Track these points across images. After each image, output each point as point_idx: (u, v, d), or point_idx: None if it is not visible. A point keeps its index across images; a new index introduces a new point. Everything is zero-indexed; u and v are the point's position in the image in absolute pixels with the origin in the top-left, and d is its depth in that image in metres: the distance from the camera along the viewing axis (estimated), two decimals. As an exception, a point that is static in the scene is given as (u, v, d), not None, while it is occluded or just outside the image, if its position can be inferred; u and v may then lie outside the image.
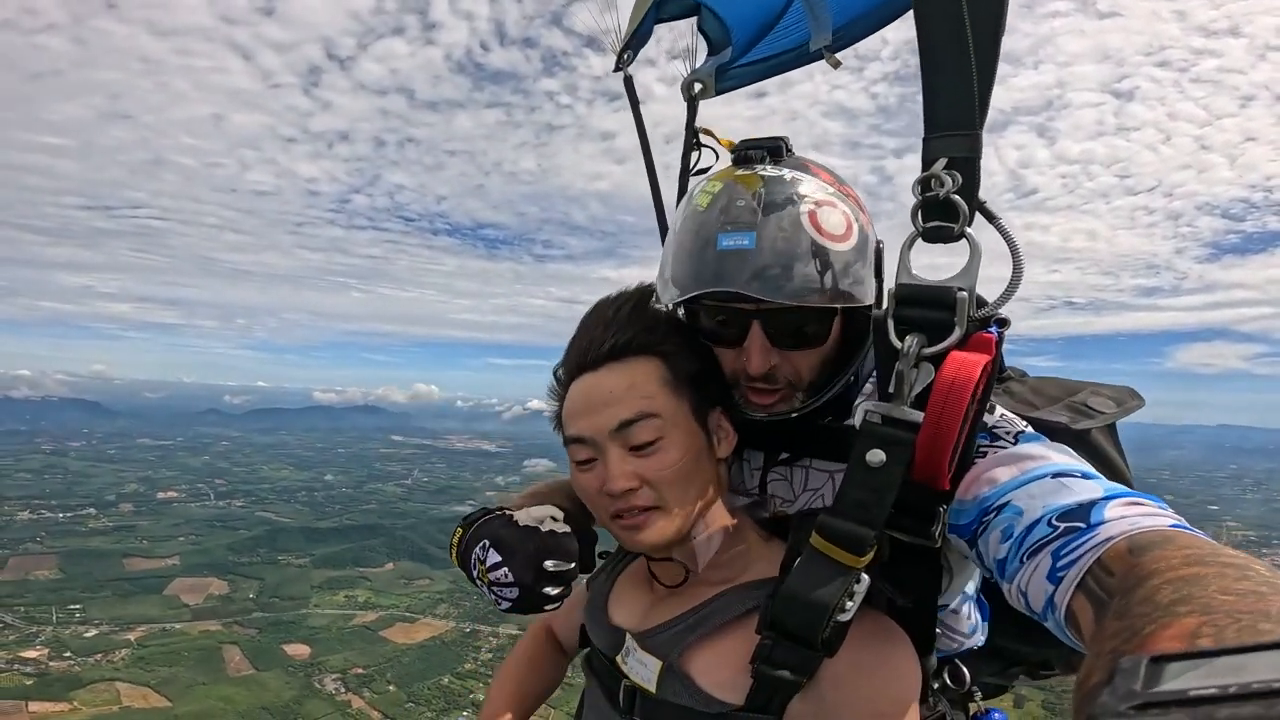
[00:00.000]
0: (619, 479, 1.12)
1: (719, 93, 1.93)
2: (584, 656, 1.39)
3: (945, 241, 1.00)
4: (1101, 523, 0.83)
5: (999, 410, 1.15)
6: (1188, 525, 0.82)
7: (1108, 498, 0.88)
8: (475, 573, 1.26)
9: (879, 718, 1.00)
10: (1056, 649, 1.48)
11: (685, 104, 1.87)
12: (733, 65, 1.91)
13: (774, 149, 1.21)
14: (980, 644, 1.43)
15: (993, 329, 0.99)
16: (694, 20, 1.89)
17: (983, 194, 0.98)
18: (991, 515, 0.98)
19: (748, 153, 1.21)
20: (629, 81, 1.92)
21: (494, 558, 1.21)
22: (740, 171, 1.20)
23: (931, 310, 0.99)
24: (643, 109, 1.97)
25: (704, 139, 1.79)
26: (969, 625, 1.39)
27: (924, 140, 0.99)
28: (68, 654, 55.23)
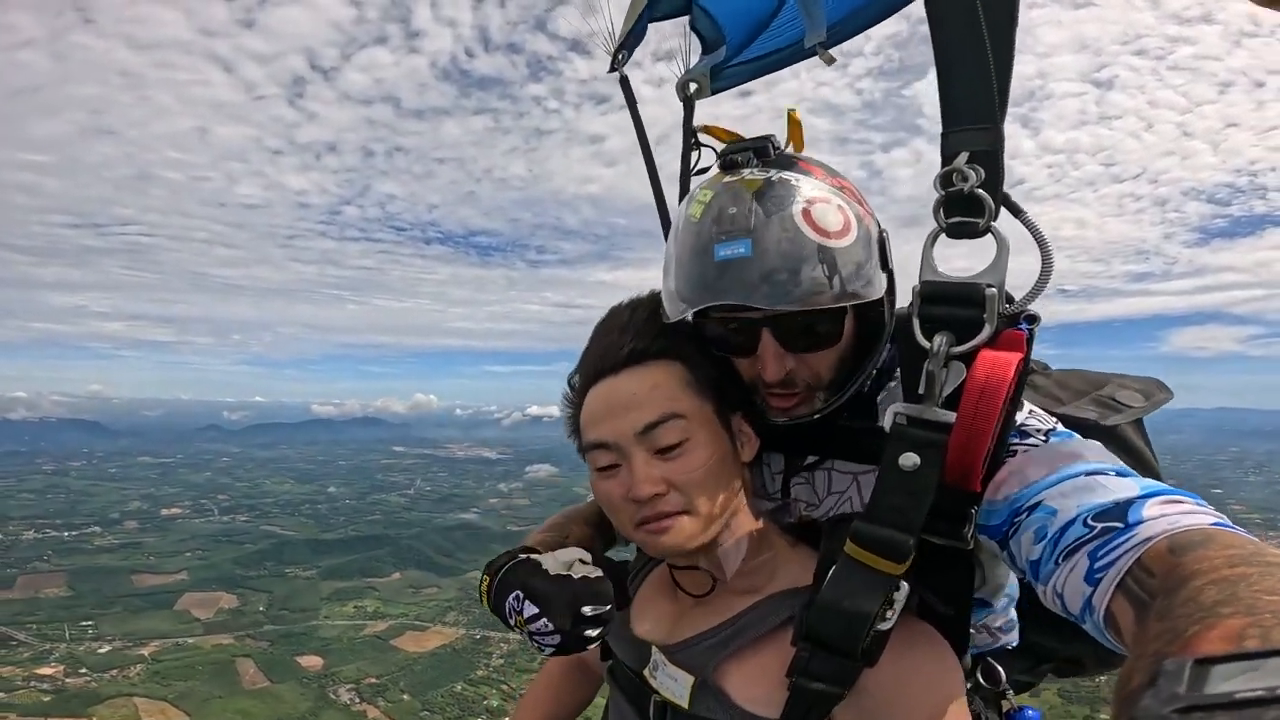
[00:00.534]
0: (645, 483, 1.07)
1: (714, 92, 1.89)
2: (607, 668, 1.35)
3: (970, 237, 0.98)
4: (1140, 522, 0.81)
5: (1028, 406, 1.11)
6: (1229, 523, 0.79)
7: (1145, 496, 0.85)
8: (512, 621, 1.21)
9: None
10: (1088, 645, 1.44)
11: (681, 104, 1.84)
12: (727, 64, 1.87)
13: (760, 149, 1.15)
14: (1015, 642, 1.44)
15: (1023, 326, 0.97)
16: (685, 20, 1.85)
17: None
18: (1024, 516, 0.95)
19: (733, 157, 1.16)
20: (625, 81, 1.87)
21: (530, 610, 1.16)
22: (728, 178, 1.14)
23: (959, 308, 0.96)
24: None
25: (703, 138, 1.75)
26: (1006, 623, 1.40)
27: (943, 135, 0.96)
28: (83, 670, 55.09)
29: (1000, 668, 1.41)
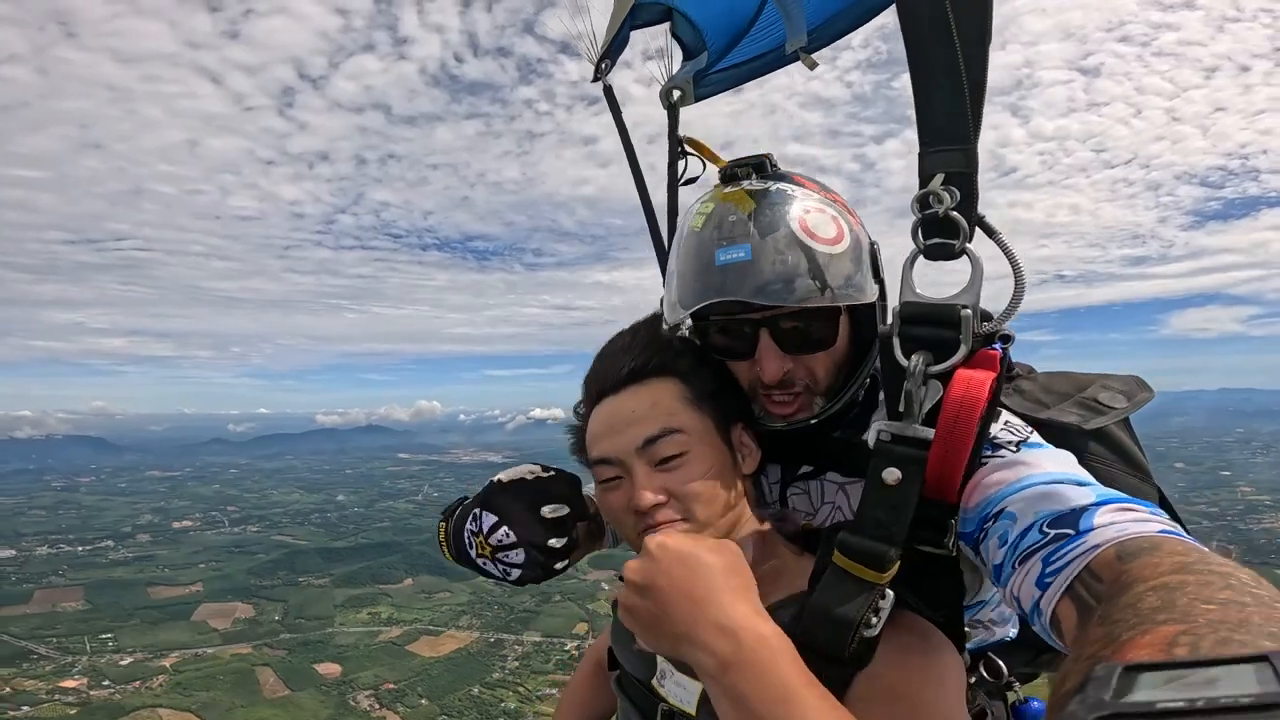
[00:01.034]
0: (646, 493, 1.12)
1: (698, 99, 1.93)
2: (615, 679, 1.39)
3: (947, 259, 1.02)
4: (1090, 529, 0.84)
5: (1004, 418, 1.17)
6: (1178, 531, 0.82)
7: (1098, 504, 0.89)
8: (474, 550, 1.26)
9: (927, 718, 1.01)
10: None
11: (665, 111, 1.87)
12: (710, 71, 1.91)
13: (759, 165, 1.27)
14: (1012, 636, 1.50)
15: (997, 345, 1.01)
16: (667, 26, 1.90)
17: None
18: (990, 522, 1.00)
19: (734, 170, 1.28)
20: (609, 91, 1.91)
21: (489, 520, 1.20)
22: (728, 190, 1.25)
23: (936, 328, 1.01)
24: (622, 111, 1.96)
25: (689, 149, 1.80)
26: (998, 615, 1.46)
27: (919, 155, 1.00)
28: (107, 682, 55.31)
29: (1001, 662, 1.50)
